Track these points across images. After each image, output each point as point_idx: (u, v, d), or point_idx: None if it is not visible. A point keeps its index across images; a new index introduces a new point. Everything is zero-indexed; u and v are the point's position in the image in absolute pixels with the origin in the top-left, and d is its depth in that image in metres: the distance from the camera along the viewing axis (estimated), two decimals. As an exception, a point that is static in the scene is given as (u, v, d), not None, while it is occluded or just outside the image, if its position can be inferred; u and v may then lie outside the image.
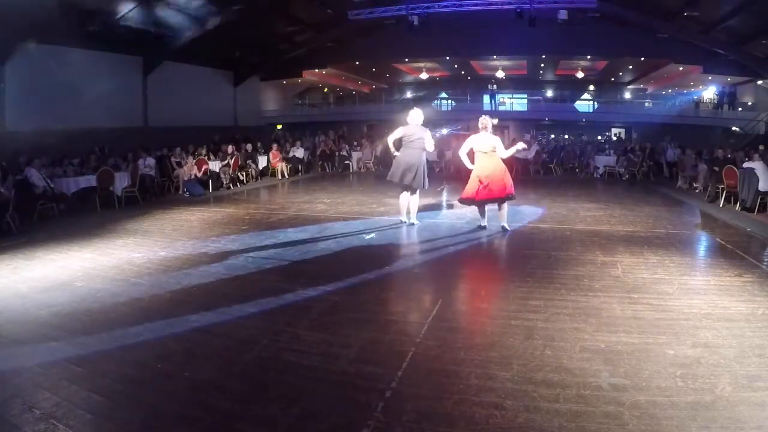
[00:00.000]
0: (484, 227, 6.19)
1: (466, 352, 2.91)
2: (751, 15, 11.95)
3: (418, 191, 6.42)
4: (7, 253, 5.32)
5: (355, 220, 7.04)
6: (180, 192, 10.16)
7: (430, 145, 6.23)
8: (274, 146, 13.89)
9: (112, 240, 5.97)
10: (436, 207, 8.12)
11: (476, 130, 6.16)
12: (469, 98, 22.74)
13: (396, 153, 6.32)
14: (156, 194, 9.86)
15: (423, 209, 7.49)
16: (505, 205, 6.14)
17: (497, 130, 6.04)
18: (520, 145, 5.90)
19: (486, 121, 6.02)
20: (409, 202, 6.45)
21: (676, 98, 21.84)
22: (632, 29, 15.36)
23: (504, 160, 6.08)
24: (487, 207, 6.19)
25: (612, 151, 14.32)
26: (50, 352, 2.98)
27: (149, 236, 6.16)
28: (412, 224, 6.50)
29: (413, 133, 6.18)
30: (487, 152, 5.92)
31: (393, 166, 6.31)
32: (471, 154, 6.12)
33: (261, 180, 12.69)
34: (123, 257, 5.12)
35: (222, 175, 11.09)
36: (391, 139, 6.38)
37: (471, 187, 6.02)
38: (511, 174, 6.23)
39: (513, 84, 23.11)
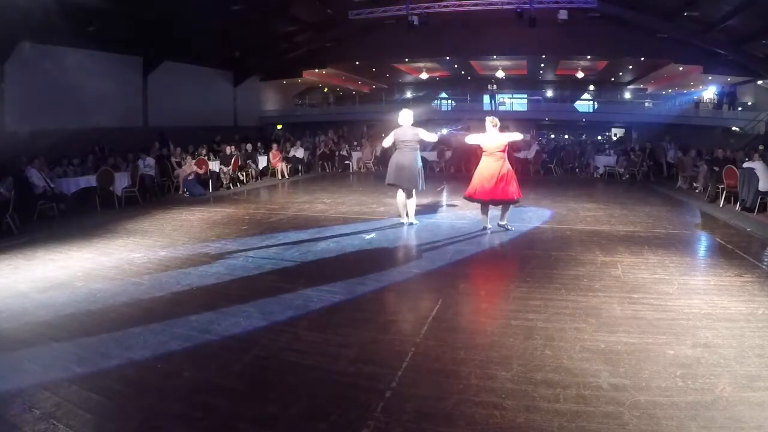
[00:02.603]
0: (486, 228, 6.19)
1: (466, 352, 2.91)
2: (751, 15, 11.94)
3: (414, 192, 6.44)
4: (7, 253, 5.32)
5: (355, 220, 7.04)
6: (180, 192, 10.16)
7: (429, 137, 6.29)
8: (274, 146, 13.90)
9: (112, 240, 5.97)
10: (436, 207, 8.12)
11: (478, 129, 6.18)
12: (469, 98, 22.73)
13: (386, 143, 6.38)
14: (156, 194, 9.86)
15: (423, 209, 7.51)
16: (510, 207, 6.15)
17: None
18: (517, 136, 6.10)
19: (495, 121, 6.03)
20: (407, 202, 6.47)
21: (676, 98, 21.83)
22: (632, 29, 15.36)
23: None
24: (491, 207, 6.19)
25: (612, 151, 14.34)
26: (50, 352, 2.99)
27: (149, 236, 6.17)
28: (412, 224, 6.51)
29: (405, 134, 6.20)
30: (493, 153, 5.92)
31: (389, 168, 6.33)
32: (479, 152, 6.15)
33: (261, 180, 12.69)
34: (123, 257, 5.12)
35: (222, 175, 11.10)
36: (387, 143, 6.39)
37: (473, 185, 6.03)
38: None
39: (513, 84, 23.12)
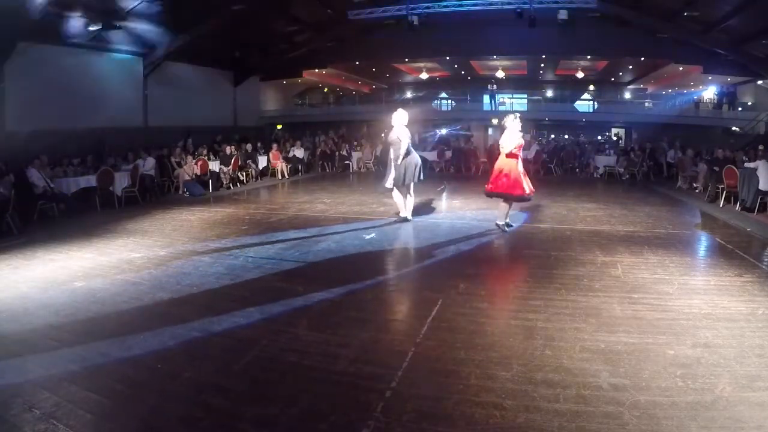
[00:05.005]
0: (508, 225, 6.26)
1: (466, 352, 2.91)
2: (751, 15, 11.93)
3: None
4: (7, 253, 5.32)
5: (356, 220, 7.04)
6: (180, 192, 10.16)
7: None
8: (274, 146, 13.90)
9: (112, 240, 5.97)
10: (436, 207, 8.11)
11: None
12: (469, 98, 22.72)
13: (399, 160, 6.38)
14: (156, 194, 9.86)
15: (424, 209, 7.54)
16: (508, 204, 6.15)
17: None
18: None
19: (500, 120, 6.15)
20: (406, 197, 6.62)
21: (676, 98, 21.81)
22: (632, 29, 15.34)
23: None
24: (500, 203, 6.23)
25: (612, 151, 14.35)
26: (50, 352, 2.99)
27: (149, 236, 6.17)
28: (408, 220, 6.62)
29: (408, 133, 6.44)
30: (503, 150, 6.01)
31: (409, 168, 6.32)
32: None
33: (261, 180, 12.69)
34: (123, 257, 5.12)
35: (222, 175, 11.10)
36: (404, 147, 6.33)
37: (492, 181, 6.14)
38: None
39: (513, 84, 23.07)
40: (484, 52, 18.35)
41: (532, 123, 20.25)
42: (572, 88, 23.62)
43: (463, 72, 22.74)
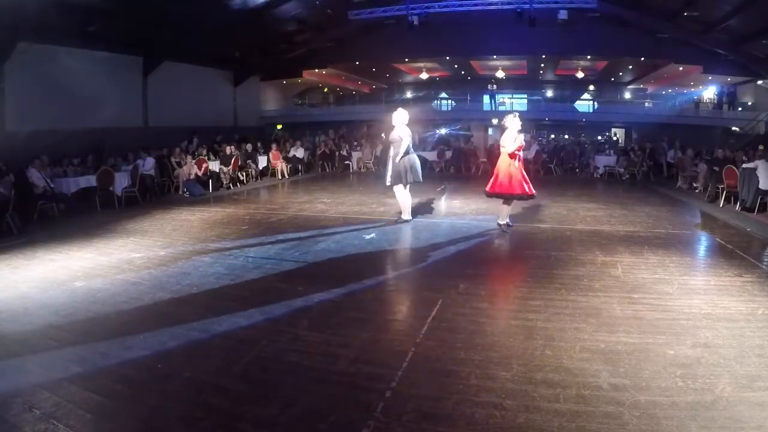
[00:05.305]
0: (508, 225, 6.25)
1: (466, 352, 2.91)
2: (751, 15, 11.93)
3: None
4: (7, 253, 5.32)
5: (356, 220, 7.04)
6: (180, 192, 10.17)
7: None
8: (274, 146, 13.90)
9: (112, 240, 5.97)
10: (436, 207, 8.11)
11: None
12: (469, 98, 22.72)
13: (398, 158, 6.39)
14: (156, 194, 9.86)
15: (424, 209, 7.53)
16: (508, 204, 6.16)
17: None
18: None
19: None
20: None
21: (676, 98, 21.81)
22: (632, 29, 15.35)
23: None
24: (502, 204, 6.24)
25: (612, 151, 14.35)
26: (50, 352, 2.99)
27: (149, 236, 6.17)
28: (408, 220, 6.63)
29: (409, 132, 6.46)
30: (504, 150, 6.01)
31: (407, 167, 6.34)
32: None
33: (261, 180, 12.69)
34: (123, 257, 5.12)
35: (222, 175, 11.10)
36: (405, 145, 6.36)
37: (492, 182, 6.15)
38: None
39: (513, 84, 23.07)
40: (484, 52, 18.35)
41: (532, 123, 20.23)
42: (572, 88, 23.61)
43: (463, 72, 22.74)
